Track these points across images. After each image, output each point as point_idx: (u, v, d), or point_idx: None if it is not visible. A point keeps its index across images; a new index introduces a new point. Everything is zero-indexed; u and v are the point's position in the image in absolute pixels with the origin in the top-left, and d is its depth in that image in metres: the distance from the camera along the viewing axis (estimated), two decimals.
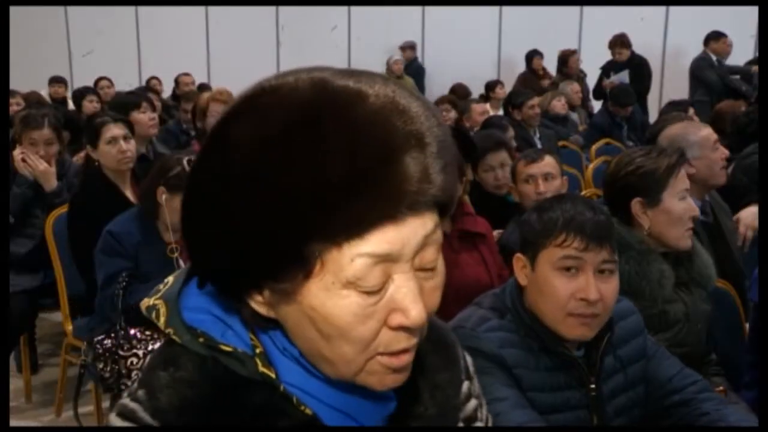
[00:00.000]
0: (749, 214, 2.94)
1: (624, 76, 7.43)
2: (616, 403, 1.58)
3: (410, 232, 0.66)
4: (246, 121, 0.66)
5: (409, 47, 10.03)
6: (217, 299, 0.74)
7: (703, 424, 1.55)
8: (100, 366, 2.58)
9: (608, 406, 1.57)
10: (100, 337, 2.61)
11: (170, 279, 0.79)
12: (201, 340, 0.72)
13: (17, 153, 3.42)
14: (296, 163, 0.62)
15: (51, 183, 3.45)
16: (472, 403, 0.91)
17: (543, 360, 1.52)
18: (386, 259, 0.65)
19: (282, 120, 0.64)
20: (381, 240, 0.64)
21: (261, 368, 0.72)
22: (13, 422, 3.30)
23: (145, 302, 0.78)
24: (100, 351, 2.58)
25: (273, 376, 0.72)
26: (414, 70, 9.90)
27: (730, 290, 2.46)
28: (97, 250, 2.76)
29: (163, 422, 0.69)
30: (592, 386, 1.54)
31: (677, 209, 2.03)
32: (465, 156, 2.90)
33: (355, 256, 0.64)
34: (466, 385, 0.90)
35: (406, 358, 0.70)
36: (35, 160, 3.41)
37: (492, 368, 1.47)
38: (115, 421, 0.72)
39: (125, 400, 0.73)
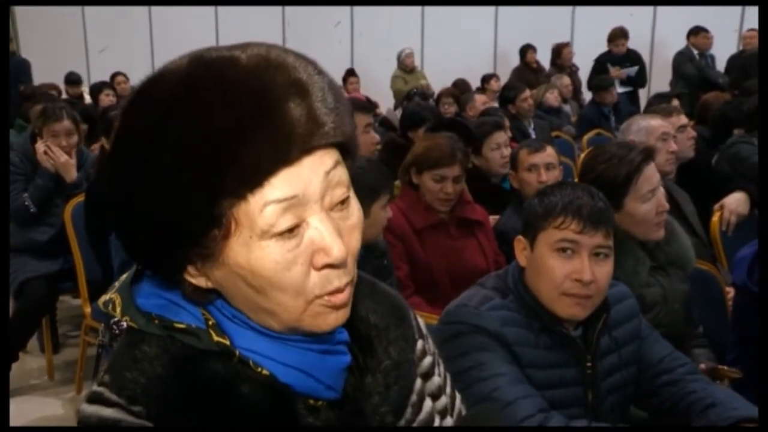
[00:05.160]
0: (733, 200, 2.96)
1: (633, 71, 7.43)
2: (609, 381, 1.58)
3: (309, 172, 0.67)
4: (137, 107, 0.68)
5: None
6: (165, 284, 0.75)
7: (690, 402, 1.55)
8: None
9: (602, 384, 1.57)
10: (116, 319, 2.61)
11: (123, 276, 0.80)
12: (156, 322, 0.74)
13: (40, 146, 3.42)
14: (183, 130, 0.64)
15: (71, 174, 3.44)
16: (428, 359, 0.92)
17: (543, 338, 1.52)
18: (294, 203, 0.66)
19: (166, 97, 0.66)
20: (283, 184, 0.65)
21: (216, 338, 0.72)
22: (36, 399, 3.33)
23: (102, 298, 0.79)
24: (117, 332, 2.57)
25: (227, 343, 0.72)
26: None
27: (714, 272, 2.45)
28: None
29: (129, 399, 0.69)
30: (588, 364, 1.54)
31: (640, 212, 1.98)
32: (465, 144, 2.89)
33: (263, 205, 0.65)
34: (420, 343, 0.91)
35: (343, 296, 0.71)
36: (57, 152, 3.41)
37: (493, 345, 1.47)
38: (85, 407, 0.71)
39: (93, 387, 0.73)
